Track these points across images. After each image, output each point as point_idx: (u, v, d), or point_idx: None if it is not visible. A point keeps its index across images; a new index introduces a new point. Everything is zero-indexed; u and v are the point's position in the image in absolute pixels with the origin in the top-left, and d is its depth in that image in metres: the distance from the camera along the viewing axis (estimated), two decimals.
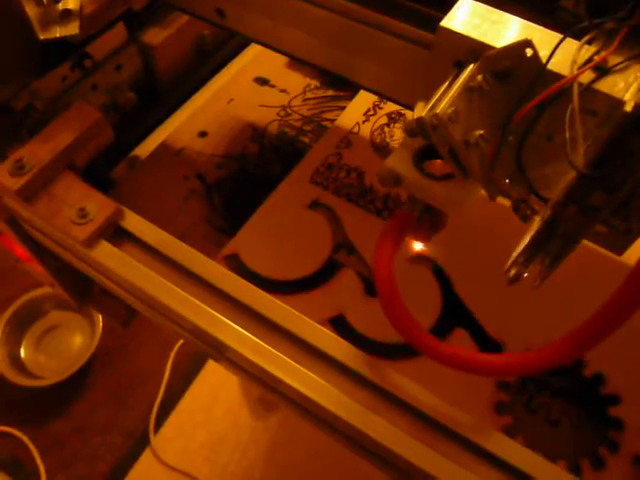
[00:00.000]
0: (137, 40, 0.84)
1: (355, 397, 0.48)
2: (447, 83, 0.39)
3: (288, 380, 0.49)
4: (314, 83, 1.12)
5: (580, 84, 0.37)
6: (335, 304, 0.86)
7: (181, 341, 0.94)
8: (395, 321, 0.43)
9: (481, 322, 0.83)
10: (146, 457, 0.87)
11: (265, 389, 0.56)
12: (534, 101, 0.37)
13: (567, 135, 0.36)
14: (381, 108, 1.07)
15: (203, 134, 1.04)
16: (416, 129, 0.38)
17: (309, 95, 1.10)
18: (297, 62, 1.02)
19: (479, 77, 0.38)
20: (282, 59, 1.14)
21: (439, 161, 0.42)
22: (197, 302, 0.53)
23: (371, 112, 1.06)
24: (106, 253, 0.56)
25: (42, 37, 0.58)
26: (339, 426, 0.50)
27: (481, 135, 0.37)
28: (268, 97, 1.10)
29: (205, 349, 0.57)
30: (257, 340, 0.51)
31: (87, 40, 0.72)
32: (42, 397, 0.94)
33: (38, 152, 0.58)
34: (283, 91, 1.11)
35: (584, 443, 0.76)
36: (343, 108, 1.08)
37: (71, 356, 0.97)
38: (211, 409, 0.89)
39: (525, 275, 0.39)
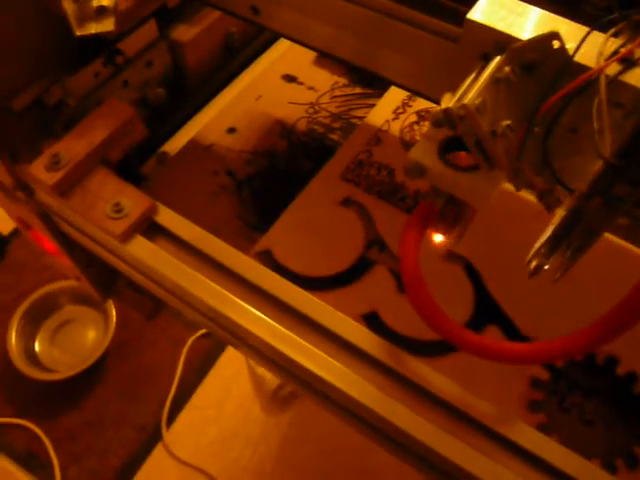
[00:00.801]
0: (167, 37, 0.85)
1: (390, 393, 0.48)
2: (474, 75, 0.40)
3: (322, 374, 0.49)
4: (342, 81, 1.12)
5: (607, 76, 0.37)
6: (368, 301, 0.86)
7: (194, 336, 0.95)
8: (421, 309, 0.43)
9: (512, 318, 0.82)
10: (158, 452, 0.88)
11: (293, 381, 0.56)
12: (562, 92, 0.37)
13: (595, 125, 0.36)
14: (410, 106, 1.07)
15: (232, 130, 1.04)
16: (443, 119, 0.38)
17: (337, 92, 1.10)
18: (325, 59, 1.02)
19: (506, 69, 0.38)
20: (309, 56, 1.14)
21: (463, 153, 0.42)
22: (231, 296, 0.54)
23: (400, 110, 1.06)
24: (141, 247, 0.57)
25: (78, 33, 0.58)
26: (371, 420, 0.50)
27: (508, 125, 0.38)
28: (296, 94, 1.10)
29: (232, 341, 0.58)
30: (290, 334, 0.51)
31: (119, 36, 0.73)
32: (56, 391, 0.95)
33: (74, 147, 0.59)
34: (311, 88, 1.11)
35: (618, 442, 0.75)
36: (371, 106, 1.08)
37: (85, 350, 0.98)
38: (223, 404, 0.89)
39: (546, 267, 0.39)
